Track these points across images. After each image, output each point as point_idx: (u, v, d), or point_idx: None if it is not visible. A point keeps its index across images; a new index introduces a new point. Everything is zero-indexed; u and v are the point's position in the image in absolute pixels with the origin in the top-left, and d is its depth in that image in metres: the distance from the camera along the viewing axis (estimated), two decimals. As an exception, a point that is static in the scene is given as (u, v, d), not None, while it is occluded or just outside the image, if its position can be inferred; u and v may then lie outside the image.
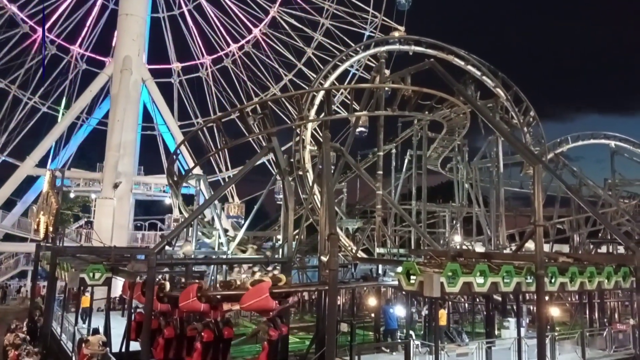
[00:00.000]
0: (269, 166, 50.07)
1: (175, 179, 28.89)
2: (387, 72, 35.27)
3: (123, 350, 18.01)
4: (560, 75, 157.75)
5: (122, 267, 19.39)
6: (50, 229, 28.52)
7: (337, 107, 46.02)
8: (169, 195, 42.15)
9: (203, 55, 56.52)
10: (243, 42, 55.97)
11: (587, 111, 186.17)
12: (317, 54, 53.48)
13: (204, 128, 33.33)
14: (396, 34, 35.73)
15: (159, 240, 19.74)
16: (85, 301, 23.05)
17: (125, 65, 44.91)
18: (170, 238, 19.37)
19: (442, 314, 20.93)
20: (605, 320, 24.18)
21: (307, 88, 42.48)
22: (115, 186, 41.24)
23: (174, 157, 30.95)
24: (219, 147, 36.57)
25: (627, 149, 45.81)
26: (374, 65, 43.12)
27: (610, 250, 34.49)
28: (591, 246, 36.10)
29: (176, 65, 56.32)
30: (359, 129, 33.28)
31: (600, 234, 38.86)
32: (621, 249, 30.76)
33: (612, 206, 39.87)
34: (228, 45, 56.20)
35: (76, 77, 52.63)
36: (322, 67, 41.01)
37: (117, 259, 21.30)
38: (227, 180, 51.97)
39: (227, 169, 53.63)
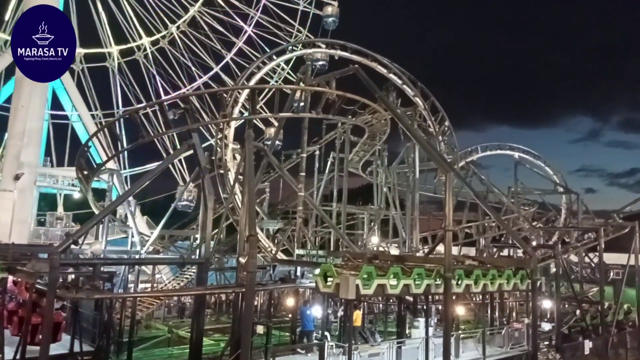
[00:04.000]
0: (171, 168, 48.11)
1: (86, 172, 27.15)
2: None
3: (18, 356, 16.63)
4: (476, 88, 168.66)
5: (22, 266, 17.88)
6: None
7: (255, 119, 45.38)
8: (78, 189, 39.57)
9: (111, 45, 53.31)
10: (158, 36, 53.47)
11: (499, 123, 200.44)
12: (236, 59, 52.49)
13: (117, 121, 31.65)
14: (318, 54, 36.18)
15: (64, 238, 18.42)
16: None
17: (33, 46, 41.47)
18: (77, 236, 18.11)
19: (357, 314, 21.45)
20: (504, 319, 26.08)
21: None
22: (17, 178, 38.00)
23: (85, 149, 28.99)
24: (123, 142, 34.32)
25: (529, 160, 49.96)
26: (294, 79, 43.29)
27: (511, 254, 37.33)
28: (494, 249, 38.78)
29: (78, 52, 52.55)
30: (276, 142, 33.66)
31: (503, 238, 41.91)
32: (520, 253, 33.38)
33: (514, 212, 43.13)
34: (140, 37, 53.45)
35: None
36: (239, 73, 40.37)
37: (15, 257, 19.59)
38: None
39: (124, 168, 50.84)
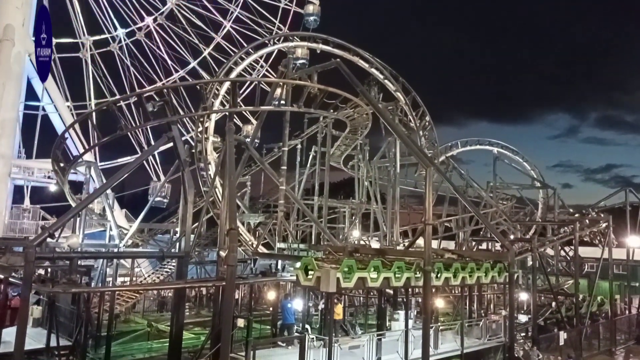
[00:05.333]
0: (145, 162, 46.92)
1: (62, 165, 26.62)
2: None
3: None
4: (457, 84, 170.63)
5: (-5, 260, 17.50)
6: None
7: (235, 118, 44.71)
8: (55, 182, 38.71)
9: (84, 35, 51.92)
10: (134, 27, 52.36)
11: (479, 119, 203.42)
12: (215, 54, 51.69)
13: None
14: (299, 51, 35.91)
15: (40, 231, 18.11)
16: None
17: (7, 35, 40.19)
18: (54, 229, 17.78)
19: (338, 307, 21.59)
20: (482, 311, 26.54)
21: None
22: (-10, 169, 37.01)
23: (61, 140, 28.38)
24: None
25: (507, 155, 50.73)
26: (273, 76, 42.79)
27: (490, 247, 37.96)
28: (473, 243, 39.35)
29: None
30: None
31: (482, 232, 42.57)
32: (498, 246, 33.94)
33: (492, 207, 43.80)
34: (116, 28, 52.21)
35: None
36: (217, 69, 39.74)
37: (-11, 251, 19.13)
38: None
39: (96, 161, 49.66)
